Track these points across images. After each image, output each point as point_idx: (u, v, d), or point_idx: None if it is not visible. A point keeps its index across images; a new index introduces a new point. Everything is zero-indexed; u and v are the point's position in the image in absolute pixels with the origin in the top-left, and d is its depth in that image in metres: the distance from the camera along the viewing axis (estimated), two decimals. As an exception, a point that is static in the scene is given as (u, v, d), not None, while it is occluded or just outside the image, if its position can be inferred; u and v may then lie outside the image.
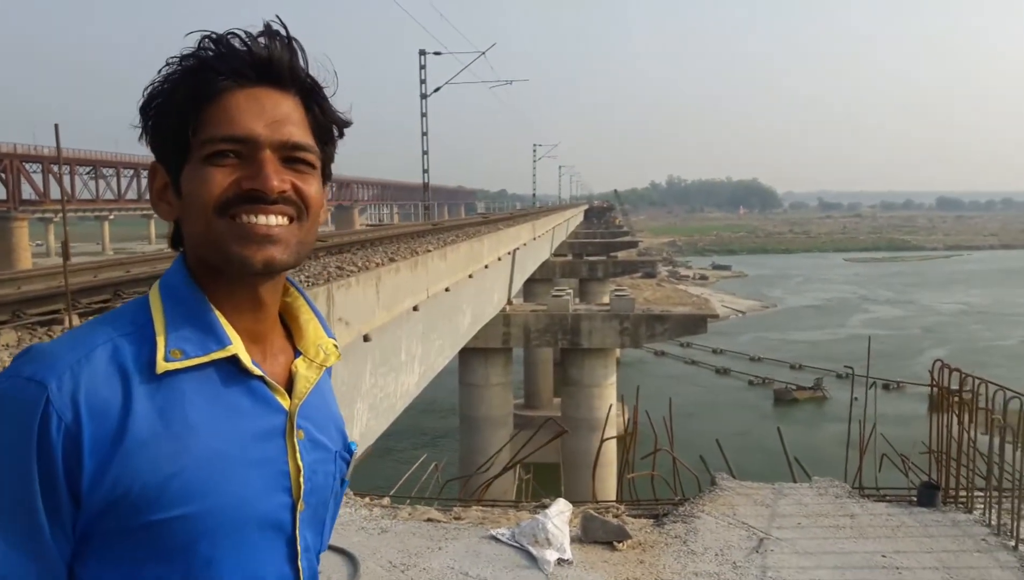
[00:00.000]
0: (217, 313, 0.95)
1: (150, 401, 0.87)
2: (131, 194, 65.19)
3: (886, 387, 30.19)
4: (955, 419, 5.92)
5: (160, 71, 0.94)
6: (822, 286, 73.34)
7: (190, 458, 0.87)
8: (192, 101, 0.91)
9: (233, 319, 0.96)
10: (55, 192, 53.83)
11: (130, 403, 0.86)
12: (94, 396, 0.85)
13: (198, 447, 0.88)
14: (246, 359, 0.95)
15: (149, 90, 0.94)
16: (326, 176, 1.02)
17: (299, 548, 0.98)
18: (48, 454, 0.82)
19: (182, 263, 0.98)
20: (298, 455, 0.97)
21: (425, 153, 29.25)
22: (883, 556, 4.89)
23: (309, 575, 1.01)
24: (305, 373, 1.03)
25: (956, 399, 5.95)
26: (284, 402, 0.98)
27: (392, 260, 11.14)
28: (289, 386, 1.01)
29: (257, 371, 0.96)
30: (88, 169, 59.53)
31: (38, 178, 53.68)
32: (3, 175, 49.41)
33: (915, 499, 5.89)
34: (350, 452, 1.09)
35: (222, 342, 0.93)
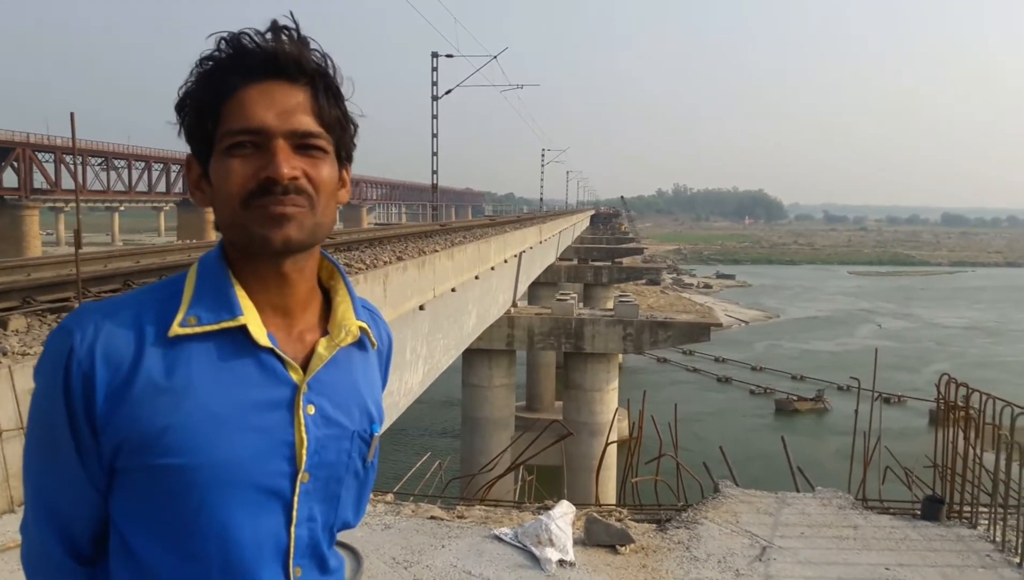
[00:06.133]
0: (237, 287, 1.02)
1: (160, 360, 0.97)
2: (141, 186, 65.19)
3: (887, 401, 30.14)
4: (960, 434, 5.90)
5: (191, 71, 1.01)
6: (825, 298, 73.22)
7: (184, 414, 0.95)
8: (212, 99, 0.99)
9: (258, 293, 1.03)
10: (66, 182, 53.94)
11: (140, 359, 0.96)
12: (109, 348, 0.96)
13: (194, 405, 0.96)
14: (256, 331, 1.00)
15: (182, 91, 1.02)
16: (343, 159, 1.07)
17: (295, 516, 1.01)
18: (70, 391, 0.96)
19: (221, 243, 1.06)
20: (303, 428, 1.01)
21: (435, 154, 29.30)
22: (887, 568, 4.87)
23: (308, 543, 1.04)
24: (321, 351, 1.06)
25: (962, 414, 5.93)
26: (295, 376, 1.02)
27: (400, 259, 11.16)
28: (308, 363, 1.05)
29: (267, 343, 1.01)
30: (100, 160, 59.61)
31: (50, 168, 53.72)
32: (15, 164, 49.45)
33: (919, 512, 5.87)
34: (370, 435, 1.11)
35: (234, 313, 1.00)
